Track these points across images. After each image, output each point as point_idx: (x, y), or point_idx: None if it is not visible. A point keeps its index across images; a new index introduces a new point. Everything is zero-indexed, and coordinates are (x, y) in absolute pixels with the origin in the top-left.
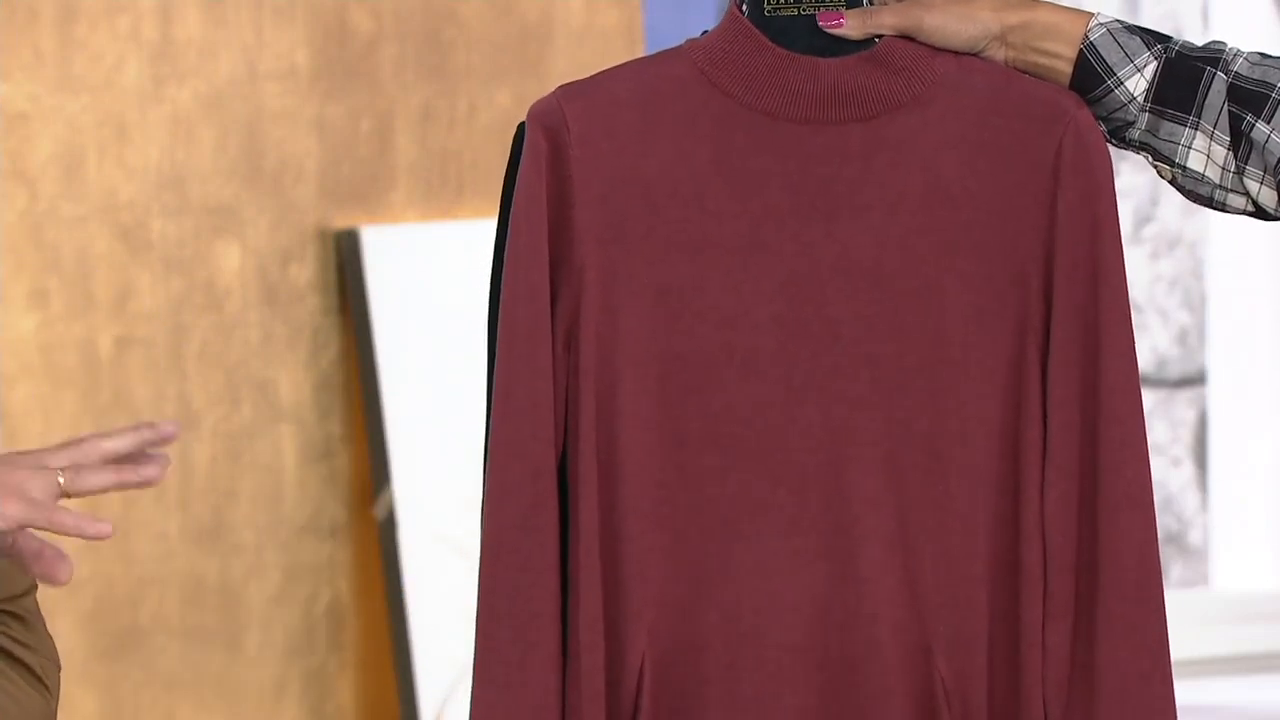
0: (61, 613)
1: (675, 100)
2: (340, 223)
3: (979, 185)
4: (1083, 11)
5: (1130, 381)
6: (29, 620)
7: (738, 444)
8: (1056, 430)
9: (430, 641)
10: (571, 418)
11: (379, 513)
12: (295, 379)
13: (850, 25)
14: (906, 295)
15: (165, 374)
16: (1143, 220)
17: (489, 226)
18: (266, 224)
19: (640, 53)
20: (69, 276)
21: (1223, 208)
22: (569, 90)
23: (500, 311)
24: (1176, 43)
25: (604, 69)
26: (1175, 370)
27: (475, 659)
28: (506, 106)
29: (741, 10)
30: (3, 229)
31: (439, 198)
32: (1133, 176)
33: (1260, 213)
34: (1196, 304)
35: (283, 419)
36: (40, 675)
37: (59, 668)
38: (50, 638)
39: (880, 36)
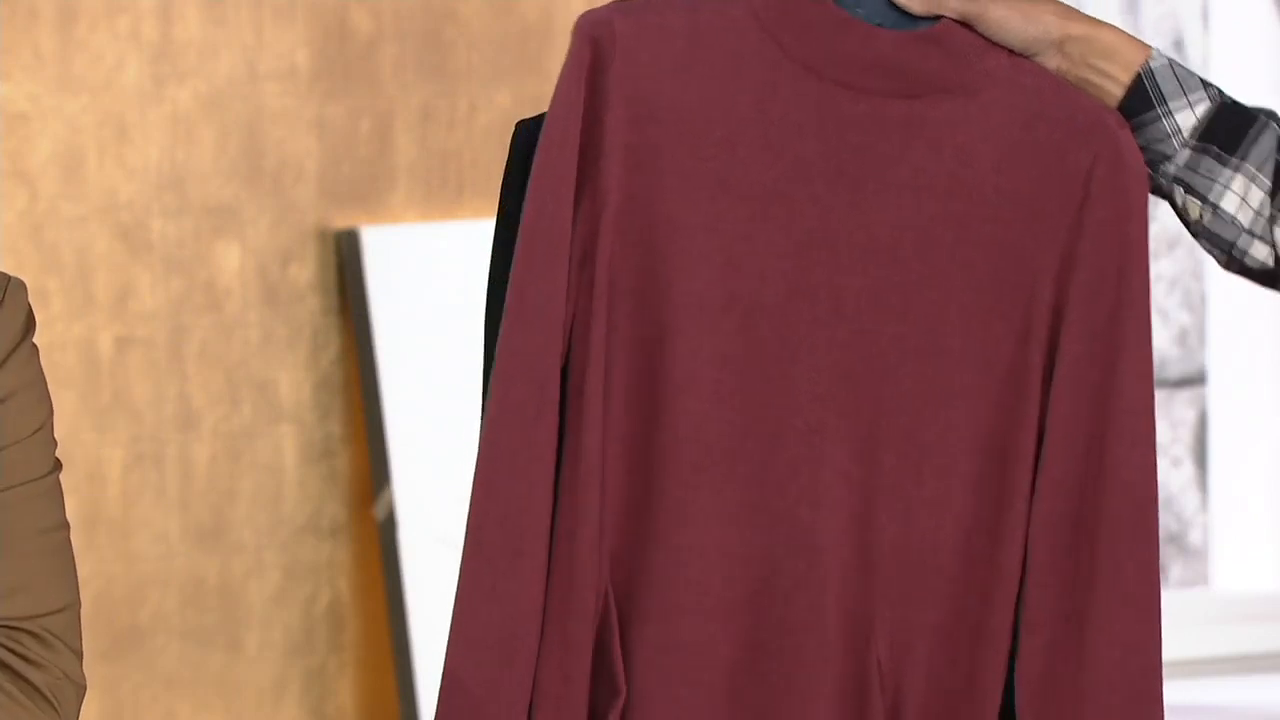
0: None
1: (726, 40)
2: (340, 223)
3: (1009, 184)
4: (1144, 42)
5: (1147, 406)
6: (47, 639)
7: (719, 390)
8: (1058, 443)
9: (430, 641)
10: (579, 336)
11: (379, 513)
12: (295, 379)
13: (915, 1)
14: (916, 278)
15: (165, 374)
16: None
17: (489, 226)
18: (266, 224)
19: None
20: (69, 276)
21: (1241, 257)
22: (624, 6)
23: (523, 218)
24: (1230, 95)
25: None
26: (1175, 370)
27: (462, 566)
28: (506, 106)
29: None
30: (3, 229)
31: (439, 198)
32: None
33: (1276, 271)
34: (1196, 304)
35: (283, 419)
36: (48, 695)
37: (81, 689)
38: (77, 659)
39: (941, 17)
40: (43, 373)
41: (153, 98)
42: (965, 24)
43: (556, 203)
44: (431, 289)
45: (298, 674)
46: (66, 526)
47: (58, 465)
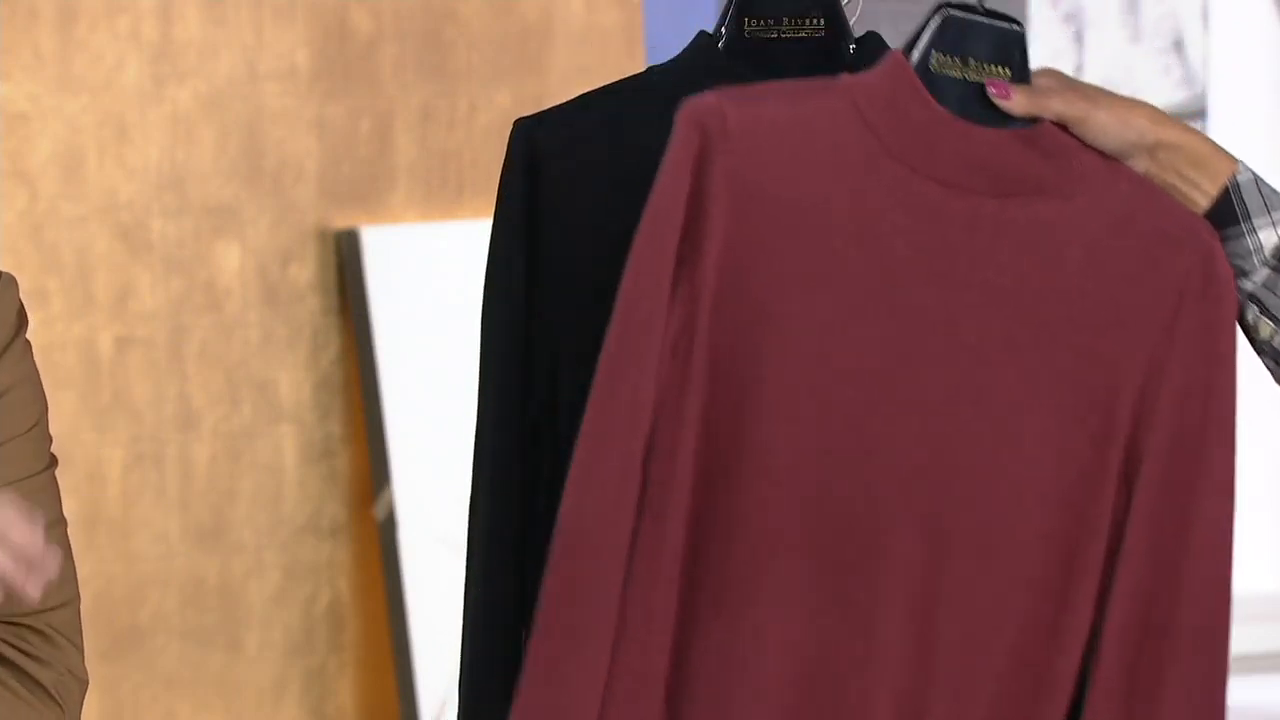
0: None
1: (828, 133)
2: (340, 223)
3: (1098, 289)
4: (1231, 155)
5: (1228, 521)
6: (50, 635)
7: (796, 478)
8: (1135, 552)
9: (430, 641)
10: (666, 420)
11: (379, 513)
12: (295, 379)
13: (1017, 102)
14: (998, 377)
15: (165, 374)
16: None
17: (489, 226)
18: (266, 224)
19: (640, 52)
20: (69, 276)
21: None
22: (731, 95)
23: (620, 299)
24: None
25: (754, 85)
26: None
27: (530, 647)
28: (506, 106)
29: (908, 59)
30: (3, 229)
31: (439, 198)
32: None
33: None
34: None
35: (283, 419)
36: (53, 691)
37: (84, 685)
38: (79, 654)
39: (1038, 118)
40: (36, 369)
41: (153, 98)
42: (1061, 125)
43: (655, 288)
44: (431, 289)
45: (298, 674)
46: (64, 522)
47: (53, 461)
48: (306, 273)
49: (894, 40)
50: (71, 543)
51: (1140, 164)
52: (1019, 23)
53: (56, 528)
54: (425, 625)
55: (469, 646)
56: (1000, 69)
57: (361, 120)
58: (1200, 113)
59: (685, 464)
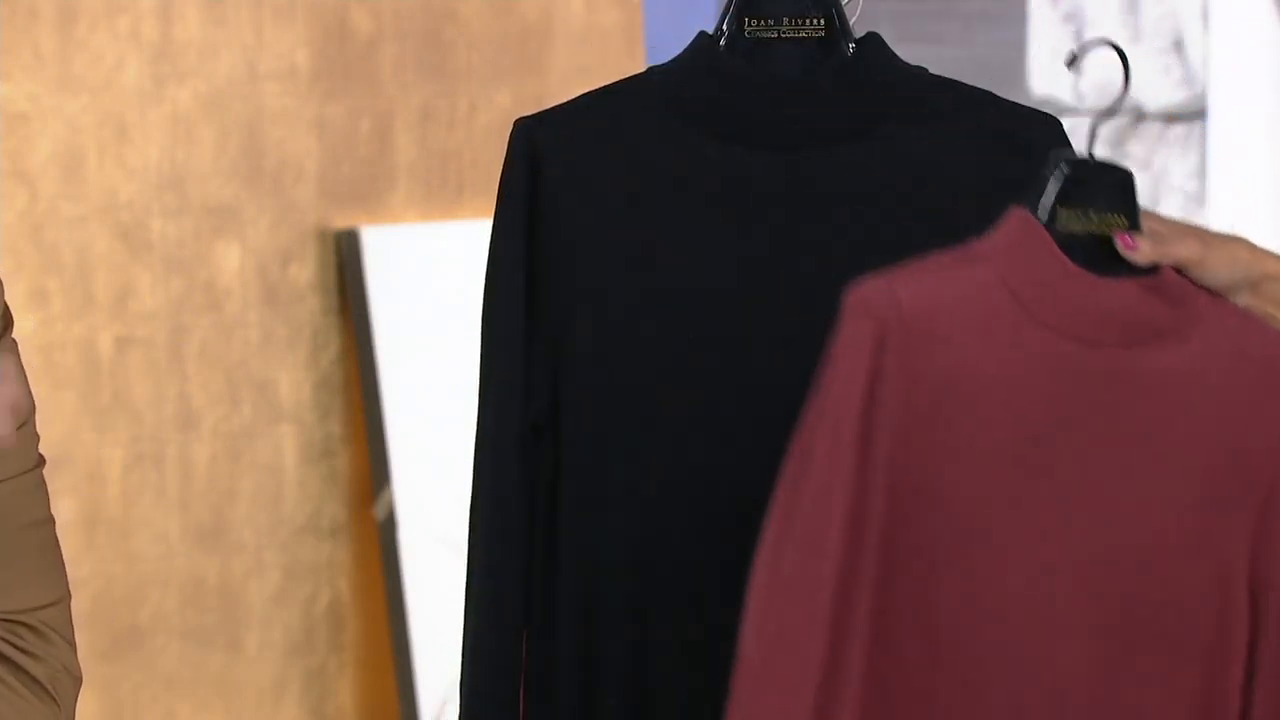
0: None
1: (978, 306)
2: (340, 223)
3: (1224, 423)
4: None
5: None
6: (43, 632)
7: (997, 656)
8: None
9: (430, 641)
10: (844, 605)
11: (379, 513)
12: (295, 379)
13: (1143, 252)
14: (1149, 537)
15: (165, 374)
16: None
17: (489, 226)
18: (266, 224)
19: (640, 53)
20: (69, 276)
21: None
22: (897, 276)
23: (801, 496)
24: None
25: (912, 264)
26: None
27: None
28: (506, 106)
29: (1035, 215)
30: (3, 229)
31: (439, 198)
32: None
33: None
34: None
35: (283, 419)
36: (48, 687)
37: (78, 681)
38: (72, 651)
39: (1159, 265)
40: (23, 367)
41: (153, 98)
42: (1177, 269)
43: (837, 479)
44: (431, 289)
45: (298, 674)
46: (53, 520)
47: (41, 460)
48: (306, 273)
49: (894, 40)
50: (72, 543)
51: (1243, 298)
52: (1127, 170)
53: (47, 526)
54: (425, 625)
55: (470, 648)
56: (1119, 217)
57: (361, 120)
58: (1200, 113)
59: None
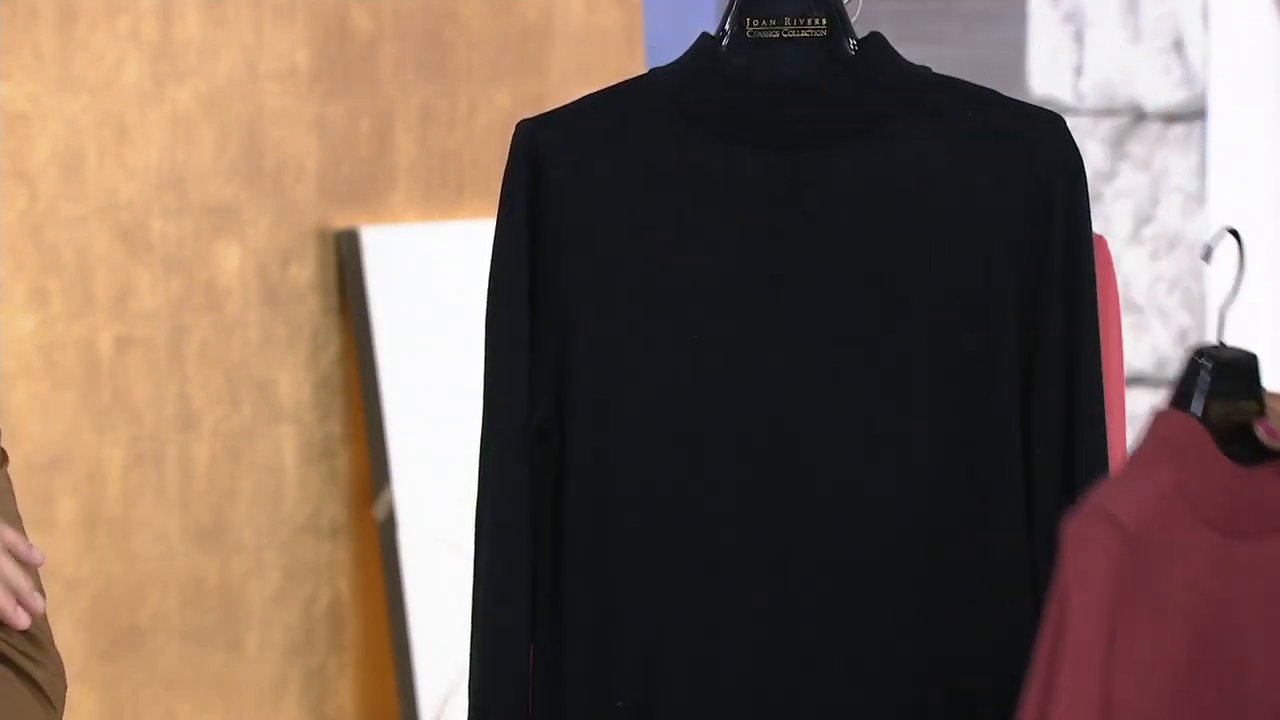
0: (61, 613)
1: (1164, 518)
2: (340, 223)
3: None
4: None
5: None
6: (38, 639)
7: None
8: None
9: (430, 641)
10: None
11: (379, 513)
12: (295, 379)
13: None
14: None
15: (165, 374)
16: (1143, 220)
17: (489, 226)
18: (266, 224)
19: (640, 53)
20: (69, 276)
21: None
22: (1109, 500)
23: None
24: None
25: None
26: (1175, 370)
27: None
28: (506, 106)
29: (1184, 407)
30: (3, 229)
31: (439, 198)
32: (1132, 175)
33: None
34: (1196, 304)
35: (283, 419)
36: (45, 690)
37: (65, 686)
38: (58, 656)
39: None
40: None
41: (153, 98)
42: None
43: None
44: (431, 289)
45: (298, 674)
46: (19, 519)
47: (4, 458)
48: (306, 273)
49: (894, 40)
50: (72, 543)
51: None
52: (1253, 354)
53: (13, 525)
54: (425, 625)
55: (476, 647)
56: (1256, 404)
57: (361, 120)
58: (1200, 113)
59: None
